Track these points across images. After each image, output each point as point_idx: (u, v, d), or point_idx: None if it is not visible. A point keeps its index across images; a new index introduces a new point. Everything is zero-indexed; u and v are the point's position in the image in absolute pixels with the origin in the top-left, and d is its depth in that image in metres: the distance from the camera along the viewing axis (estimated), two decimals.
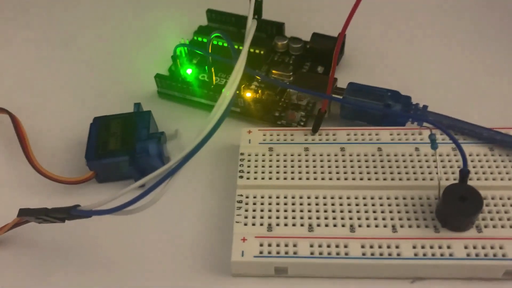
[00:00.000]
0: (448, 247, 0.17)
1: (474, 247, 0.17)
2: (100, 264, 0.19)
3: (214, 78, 0.23)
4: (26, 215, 0.17)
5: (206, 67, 0.24)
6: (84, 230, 0.19)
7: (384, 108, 0.21)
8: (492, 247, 0.17)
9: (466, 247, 0.17)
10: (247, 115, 0.23)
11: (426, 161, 0.20)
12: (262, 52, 0.25)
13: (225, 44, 0.25)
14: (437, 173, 0.19)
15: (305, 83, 0.23)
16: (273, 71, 0.24)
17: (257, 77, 0.23)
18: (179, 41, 0.25)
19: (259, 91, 0.23)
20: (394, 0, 0.29)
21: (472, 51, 0.26)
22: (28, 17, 0.30)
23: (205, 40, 0.26)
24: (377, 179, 0.19)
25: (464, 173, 0.18)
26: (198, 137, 0.16)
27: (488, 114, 0.23)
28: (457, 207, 0.17)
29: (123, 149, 0.20)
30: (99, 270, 0.18)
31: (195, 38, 0.26)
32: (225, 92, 0.16)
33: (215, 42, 0.25)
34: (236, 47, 0.25)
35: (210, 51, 0.22)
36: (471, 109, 0.23)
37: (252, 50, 0.25)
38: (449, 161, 0.20)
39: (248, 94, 0.23)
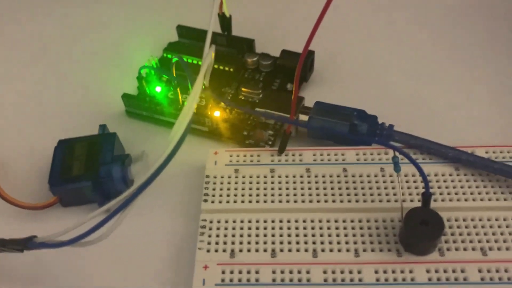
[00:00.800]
0: (410, 272, 0.17)
1: (436, 271, 0.17)
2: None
3: (180, 98, 0.23)
4: None
5: (172, 86, 0.24)
6: (44, 258, 0.19)
7: (347, 133, 0.21)
8: (454, 271, 0.17)
9: (428, 271, 0.17)
10: (216, 134, 0.23)
11: (391, 182, 0.20)
12: (231, 70, 0.25)
13: (189, 60, 0.25)
14: (402, 195, 0.19)
15: (273, 101, 0.23)
16: (243, 89, 0.24)
17: (223, 102, 0.22)
18: (148, 58, 0.24)
19: (227, 110, 0.23)
20: (365, 18, 0.29)
21: (441, 70, 0.26)
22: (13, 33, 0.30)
23: (174, 58, 0.26)
24: (341, 201, 0.19)
25: (426, 197, 0.17)
26: (159, 160, 0.16)
27: (455, 133, 0.22)
28: (419, 231, 0.17)
29: (87, 174, 0.20)
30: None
31: (165, 55, 0.26)
32: (180, 118, 0.16)
33: (185, 59, 0.25)
34: (200, 63, 0.25)
35: (174, 74, 0.22)
36: (439, 128, 0.23)
37: (222, 67, 0.25)
38: (415, 181, 0.20)
39: (217, 113, 0.23)
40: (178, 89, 0.23)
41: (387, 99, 0.24)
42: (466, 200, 0.19)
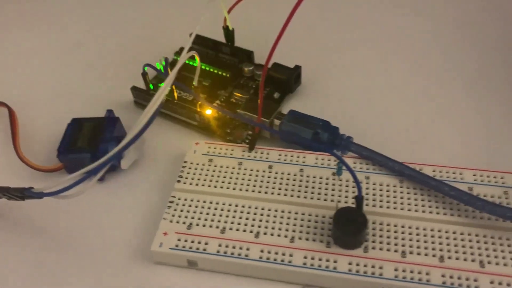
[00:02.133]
0: (335, 261, 0.20)
1: (357, 264, 0.20)
2: (44, 238, 0.23)
3: (175, 94, 0.27)
4: None
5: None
6: (41, 210, 0.24)
7: (312, 135, 0.24)
8: (373, 266, 0.20)
9: (350, 263, 0.20)
10: (203, 128, 0.27)
11: (340, 185, 0.22)
12: (228, 75, 0.29)
13: (195, 64, 0.29)
14: (339, 196, 0.22)
15: (254, 105, 0.26)
16: (235, 93, 0.28)
17: (210, 107, 0.26)
18: (160, 58, 0.28)
19: (216, 110, 0.27)
20: (354, 42, 0.32)
21: (419, 96, 0.28)
22: (37, 22, 0.36)
23: (188, 60, 0.29)
24: (291, 196, 0.22)
25: (358, 199, 0.20)
26: (131, 133, 0.19)
27: (416, 152, 0.25)
28: (344, 226, 0.20)
29: (88, 147, 0.24)
30: (41, 244, 0.22)
31: (175, 57, 0.30)
32: (156, 96, 0.20)
33: (187, 62, 0.29)
34: (206, 68, 0.29)
35: (169, 73, 0.26)
36: (403, 146, 0.25)
37: (221, 72, 0.29)
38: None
39: (208, 112, 0.26)
40: (173, 87, 0.27)
41: (362, 116, 0.27)
42: (402, 209, 0.21)
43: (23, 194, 0.20)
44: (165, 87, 0.19)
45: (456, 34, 0.32)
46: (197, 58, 0.23)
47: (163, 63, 0.28)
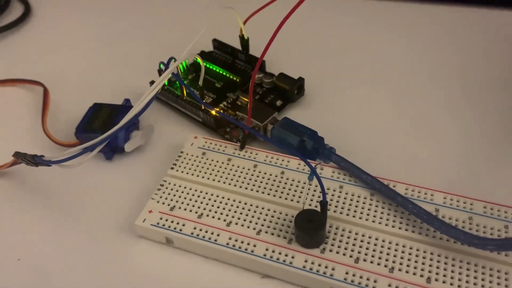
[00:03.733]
0: (292, 257, 0.22)
1: (312, 263, 0.21)
2: (49, 202, 0.26)
3: (185, 92, 0.29)
4: (16, 156, 0.25)
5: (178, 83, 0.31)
6: (53, 177, 0.27)
7: (298, 142, 0.26)
8: (326, 267, 0.21)
9: (305, 261, 0.21)
10: (206, 125, 0.29)
11: (314, 190, 0.24)
12: (238, 80, 0.31)
13: (210, 66, 0.32)
14: (306, 198, 0.24)
15: (258, 110, 0.28)
16: (241, 97, 0.30)
17: (213, 112, 0.28)
18: (182, 60, 0.31)
19: (221, 111, 0.29)
20: (361, 58, 0.34)
21: (415, 117, 0.29)
22: (80, 14, 0.40)
23: (205, 63, 0.32)
24: (268, 194, 0.24)
25: (322, 203, 0.22)
26: (126, 117, 0.22)
27: (388, 167, 0.26)
28: (302, 225, 0.21)
29: (101, 129, 0.28)
30: (46, 207, 0.26)
31: (195, 59, 0.33)
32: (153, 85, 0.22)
33: (210, 67, 0.32)
34: (220, 71, 0.32)
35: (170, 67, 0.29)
36: (379, 160, 0.27)
37: (231, 76, 0.32)
38: (332, 195, 0.24)
39: (214, 111, 0.29)
40: (183, 86, 0.29)
41: (353, 130, 0.28)
42: (366, 220, 0.23)
43: (35, 160, 0.24)
44: (161, 79, 0.22)
45: (444, 60, 0.33)
46: (200, 61, 0.26)
47: (184, 62, 0.32)
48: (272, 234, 0.23)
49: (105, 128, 0.27)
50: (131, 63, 0.35)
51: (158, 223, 0.23)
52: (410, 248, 0.22)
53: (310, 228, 0.21)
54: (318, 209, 0.22)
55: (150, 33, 0.38)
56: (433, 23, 0.37)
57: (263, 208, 0.24)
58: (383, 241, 0.22)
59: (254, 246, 0.22)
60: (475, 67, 0.32)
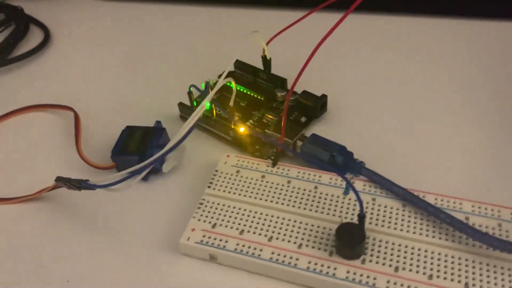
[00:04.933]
0: (335, 268, 0.23)
1: (354, 273, 0.22)
2: (92, 224, 0.27)
3: (214, 112, 0.31)
4: (58, 180, 0.26)
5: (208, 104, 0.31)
6: (93, 201, 0.28)
7: (328, 157, 0.27)
8: (367, 277, 0.22)
9: (348, 272, 0.22)
10: (235, 143, 0.30)
11: (348, 203, 0.25)
12: (262, 98, 0.32)
13: (238, 87, 0.33)
14: (346, 213, 0.25)
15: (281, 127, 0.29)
16: (266, 115, 0.31)
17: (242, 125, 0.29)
18: (205, 79, 0.32)
19: (249, 128, 0.30)
20: (382, 73, 0.35)
21: (439, 129, 0.31)
22: (113, 41, 0.41)
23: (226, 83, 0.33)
24: (304, 209, 0.25)
25: (360, 216, 0.23)
26: (171, 142, 0.23)
27: (415, 178, 0.27)
28: (342, 239, 0.23)
29: (137, 151, 0.29)
30: (89, 229, 0.27)
31: (218, 80, 0.34)
32: (195, 112, 0.24)
33: (228, 84, 0.33)
34: (244, 90, 0.33)
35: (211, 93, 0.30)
36: (406, 172, 0.28)
37: (256, 95, 0.33)
38: (366, 207, 0.25)
39: (242, 129, 0.30)
40: (213, 105, 0.30)
41: (377, 144, 0.30)
42: (401, 230, 0.24)
43: (80, 184, 0.25)
44: (203, 105, 0.23)
45: (473, 71, 0.35)
46: (233, 84, 0.27)
47: (204, 84, 0.33)
48: (313, 247, 0.24)
49: (140, 150, 0.29)
50: (155, 86, 0.36)
51: (201, 241, 0.24)
52: (445, 256, 0.23)
53: (351, 240, 0.22)
54: (356, 221, 0.23)
55: (173, 59, 0.39)
56: (453, 37, 0.38)
57: (301, 223, 0.25)
58: (419, 249, 0.23)
59: (297, 259, 0.23)
60: (503, 75, 0.34)
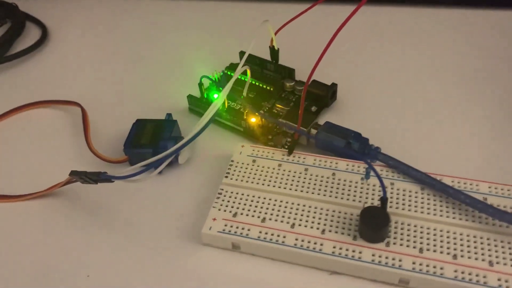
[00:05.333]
0: (360, 252, 0.23)
1: (379, 256, 0.23)
2: (109, 219, 0.26)
3: (226, 103, 0.30)
4: (73, 174, 0.26)
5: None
6: (109, 194, 0.27)
7: (344, 144, 0.27)
8: (393, 259, 0.22)
9: (373, 255, 0.23)
10: (248, 134, 0.30)
11: (367, 189, 0.25)
12: (271, 89, 0.32)
13: (245, 79, 0.33)
14: (366, 197, 0.25)
15: (295, 116, 0.29)
16: (277, 105, 0.31)
17: (256, 113, 0.29)
18: (212, 72, 0.32)
19: (260, 118, 0.30)
20: (388, 61, 0.36)
21: (446, 111, 0.31)
22: (110, 34, 0.41)
23: (232, 74, 0.33)
24: (324, 195, 0.25)
25: (382, 199, 0.23)
26: (190, 134, 0.23)
27: (430, 161, 0.28)
28: (369, 221, 0.23)
29: (150, 144, 0.28)
30: (106, 223, 0.26)
31: (226, 71, 0.34)
32: (213, 105, 0.23)
33: (239, 77, 0.33)
34: (253, 81, 0.33)
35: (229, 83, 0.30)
36: (424, 157, 0.28)
37: (265, 86, 0.33)
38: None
39: (253, 119, 0.30)
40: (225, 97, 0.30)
41: (389, 130, 0.30)
42: (422, 212, 0.24)
43: (98, 177, 0.24)
44: (222, 98, 0.23)
45: (484, 56, 0.35)
46: (249, 73, 0.27)
47: (216, 75, 0.33)
48: (336, 232, 0.24)
49: (153, 143, 0.28)
50: (160, 80, 0.36)
51: (224, 230, 0.24)
52: (467, 235, 0.23)
53: (377, 223, 0.23)
54: (377, 205, 0.24)
55: (181, 51, 0.39)
56: (457, 26, 0.39)
57: (321, 209, 0.25)
58: (441, 230, 0.23)
59: (321, 245, 0.23)
60: None
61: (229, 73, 0.34)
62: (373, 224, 0.23)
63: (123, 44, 0.40)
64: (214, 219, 0.25)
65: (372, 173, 0.24)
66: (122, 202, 0.27)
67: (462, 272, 0.22)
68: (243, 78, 0.33)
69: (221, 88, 0.32)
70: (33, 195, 0.27)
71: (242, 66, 0.25)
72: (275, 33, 0.31)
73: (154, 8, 0.44)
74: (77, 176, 0.26)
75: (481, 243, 0.23)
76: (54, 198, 0.28)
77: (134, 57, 0.38)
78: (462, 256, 0.22)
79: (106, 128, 0.32)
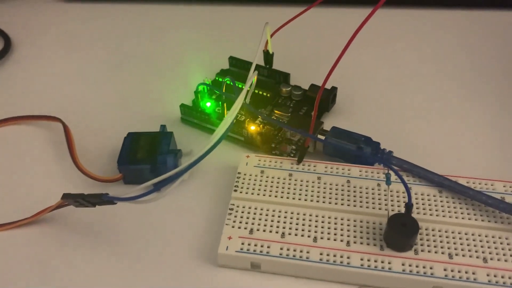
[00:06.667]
0: (389, 263, 0.22)
1: (410, 265, 0.22)
2: (114, 244, 0.24)
3: (226, 111, 0.29)
4: (67, 198, 0.23)
5: (220, 102, 0.30)
6: (108, 216, 0.25)
7: (356, 149, 0.26)
8: (424, 267, 0.22)
9: (403, 264, 0.22)
10: (249, 143, 0.28)
11: (385, 195, 0.25)
12: (268, 95, 0.31)
13: (240, 85, 0.31)
14: (391, 204, 0.24)
15: (297, 123, 0.28)
16: (275, 111, 0.30)
17: (259, 116, 0.28)
18: (203, 79, 0.30)
19: (261, 126, 0.29)
20: (385, 65, 0.35)
21: (448, 112, 0.31)
22: (92, 44, 0.38)
23: (224, 80, 0.32)
24: (342, 204, 0.24)
25: (408, 205, 0.22)
26: (200, 152, 0.21)
27: (449, 164, 0.27)
28: (398, 230, 0.22)
29: (147, 159, 0.26)
30: (112, 248, 0.24)
31: (216, 78, 0.32)
32: (226, 118, 0.22)
33: (228, 82, 0.31)
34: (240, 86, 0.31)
35: (224, 91, 0.28)
36: (433, 158, 0.27)
37: (261, 92, 0.31)
38: (404, 197, 0.24)
39: (252, 127, 0.28)
40: (225, 105, 0.28)
41: (395, 132, 0.29)
42: (443, 216, 0.23)
43: (100, 199, 0.22)
44: (236, 108, 0.21)
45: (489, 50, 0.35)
46: (255, 80, 0.25)
47: (207, 82, 0.31)
48: (362, 243, 0.22)
49: (150, 158, 0.26)
50: (142, 90, 0.33)
51: (242, 249, 0.22)
52: (493, 237, 0.23)
53: (406, 231, 0.21)
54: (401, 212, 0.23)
55: (165, 59, 0.36)
56: (458, 27, 0.39)
57: (342, 219, 0.23)
58: (466, 234, 0.23)
59: (348, 258, 0.22)
60: None
61: (220, 79, 0.32)
62: (403, 232, 0.22)
63: (97, 52, 0.37)
64: (230, 238, 0.23)
65: (392, 178, 0.23)
66: (123, 224, 0.25)
67: (495, 276, 0.21)
68: (239, 85, 0.31)
69: (217, 92, 0.30)
70: (17, 223, 0.24)
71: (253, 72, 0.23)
72: (272, 35, 0.30)
73: (129, 14, 0.41)
74: (71, 199, 0.23)
75: (508, 244, 0.22)
76: (41, 225, 0.25)
77: (111, 66, 0.36)
78: (491, 259, 0.22)
79: (91, 143, 0.29)
